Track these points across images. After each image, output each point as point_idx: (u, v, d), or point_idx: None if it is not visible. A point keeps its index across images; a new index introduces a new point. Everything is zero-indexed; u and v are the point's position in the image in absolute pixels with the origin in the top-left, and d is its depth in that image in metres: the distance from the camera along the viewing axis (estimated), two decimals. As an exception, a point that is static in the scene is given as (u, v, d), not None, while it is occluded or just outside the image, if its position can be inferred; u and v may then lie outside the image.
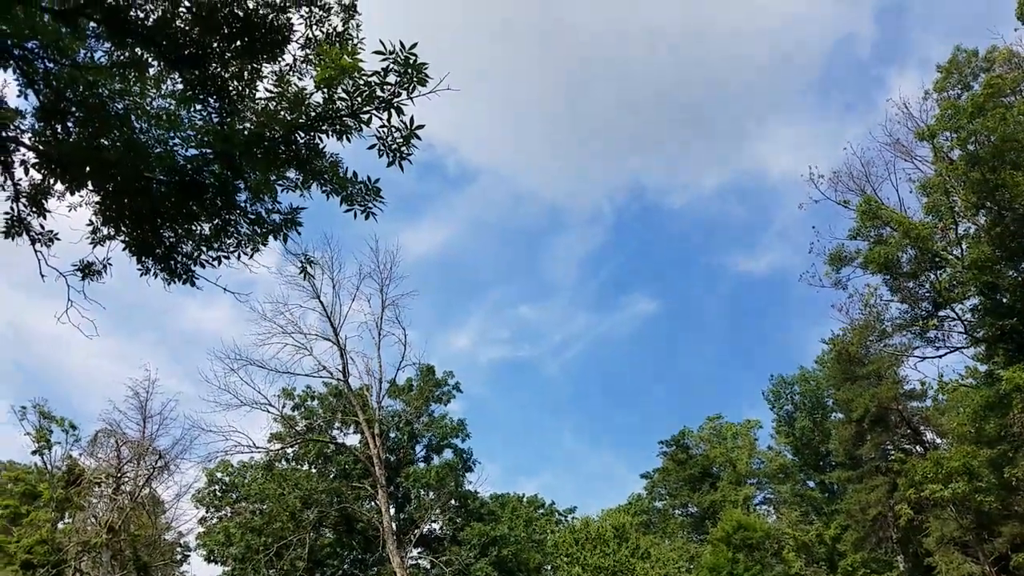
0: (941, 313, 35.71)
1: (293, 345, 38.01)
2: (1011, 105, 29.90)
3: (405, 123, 8.15)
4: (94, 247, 9.77)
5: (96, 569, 39.50)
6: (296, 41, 9.00)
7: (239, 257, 9.67)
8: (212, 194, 8.86)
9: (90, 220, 9.55)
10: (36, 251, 10.11)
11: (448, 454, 47.68)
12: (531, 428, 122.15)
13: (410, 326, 51.72)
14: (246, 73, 8.86)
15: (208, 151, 8.68)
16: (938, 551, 41.10)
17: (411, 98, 8.01)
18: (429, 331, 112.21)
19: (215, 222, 9.29)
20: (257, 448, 40.48)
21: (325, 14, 9.06)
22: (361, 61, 7.91)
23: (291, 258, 27.83)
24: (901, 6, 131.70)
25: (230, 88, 8.86)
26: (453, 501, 46.40)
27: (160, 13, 8.24)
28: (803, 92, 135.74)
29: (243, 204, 9.26)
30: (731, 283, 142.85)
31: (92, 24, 8.31)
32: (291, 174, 8.96)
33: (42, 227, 9.95)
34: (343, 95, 8.04)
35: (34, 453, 46.31)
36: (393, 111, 8.06)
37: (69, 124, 8.72)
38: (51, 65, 8.48)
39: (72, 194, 9.21)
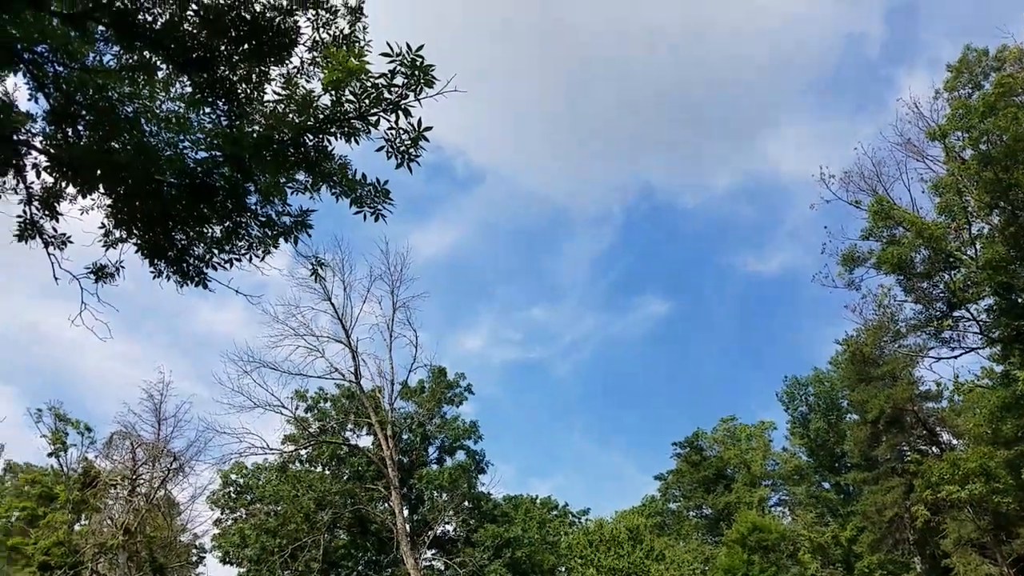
0: (956, 313, 35.39)
1: (305, 347, 38.20)
2: (1023, 104, 29.63)
3: (413, 125, 8.17)
4: (107, 250, 9.85)
5: (113, 571, 39.77)
6: (303, 44, 9.04)
7: (250, 259, 9.71)
8: (222, 197, 8.90)
9: (102, 223, 9.63)
10: (49, 254, 10.20)
11: (461, 456, 47.75)
12: (543, 429, 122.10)
13: (421, 328, 51.71)
14: (254, 76, 8.91)
15: (218, 154, 8.73)
16: (955, 553, 40.75)
17: (418, 100, 8.03)
18: (440, 333, 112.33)
19: (226, 224, 9.33)
20: (271, 450, 40.75)
21: (332, 17, 9.09)
22: (368, 63, 7.94)
23: (302, 260, 27.79)
24: (911, 5, 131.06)
25: (239, 91, 8.91)
26: (466, 503, 46.43)
27: (168, 17, 8.30)
28: (812, 92, 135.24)
29: (253, 207, 9.30)
30: (742, 284, 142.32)
31: (101, 28, 8.37)
32: (300, 176, 9.01)
33: (55, 230, 10.04)
34: (351, 97, 8.07)
35: (50, 455, 46.80)
36: (401, 113, 8.08)
37: (79, 127, 8.79)
38: (61, 69, 8.56)
39: (84, 197, 9.30)
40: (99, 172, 8.54)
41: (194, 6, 8.33)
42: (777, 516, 62.51)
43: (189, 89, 8.89)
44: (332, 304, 38.69)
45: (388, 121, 8.21)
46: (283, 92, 8.59)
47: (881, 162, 36.33)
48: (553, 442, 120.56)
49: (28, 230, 9.89)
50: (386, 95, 8.03)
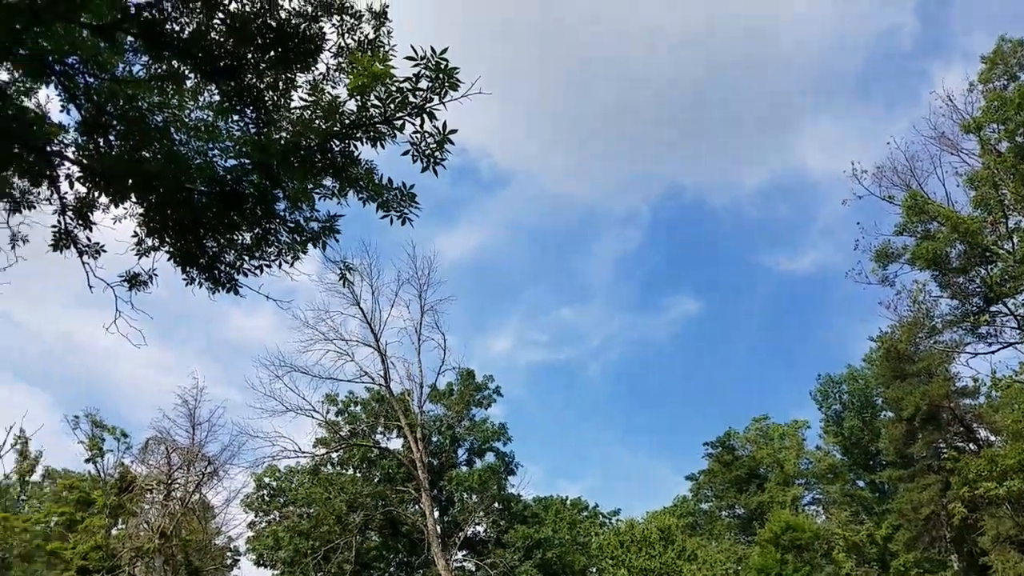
0: (993, 308, 34.80)
1: (335, 351, 38.50)
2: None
3: (438, 128, 8.18)
4: (140, 258, 9.99)
5: (149, 574, 40.36)
6: (329, 50, 9.08)
7: (280, 265, 9.79)
8: (252, 204, 8.97)
9: (135, 232, 9.76)
10: (84, 263, 10.37)
11: (490, 457, 47.82)
12: (572, 431, 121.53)
13: (449, 331, 51.81)
14: (281, 83, 8.97)
15: (246, 161, 8.81)
16: (994, 550, 39.94)
17: (443, 103, 8.03)
18: (468, 335, 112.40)
19: (256, 231, 9.42)
20: (303, 453, 41.10)
21: (356, 22, 9.12)
22: (393, 68, 7.96)
23: (330, 265, 28.12)
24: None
25: (266, 98, 8.98)
26: (496, 504, 46.46)
27: (195, 26, 8.38)
28: (843, 87, 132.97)
29: (282, 213, 9.37)
30: (773, 282, 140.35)
31: (130, 38, 8.48)
32: (328, 182, 9.05)
33: (89, 239, 10.21)
34: (376, 102, 8.09)
35: (87, 461, 47.65)
36: (426, 116, 8.09)
37: (111, 137, 8.91)
38: (91, 80, 8.69)
39: (116, 206, 9.43)
40: (131, 181, 8.65)
41: (220, 15, 8.40)
42: (811, 515, 61.70)
43: (217, 97, 8.97)
44: (361, 308, 39.00)
45: (413, 125, 8.23)
46: (309, 98, 8.64)
47: (914, 156, 35.87)
48: (582, 443, 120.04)
49: (63, 240, 10.07)
50: (411, 99, 8.04)
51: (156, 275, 10.32)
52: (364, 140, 8.46)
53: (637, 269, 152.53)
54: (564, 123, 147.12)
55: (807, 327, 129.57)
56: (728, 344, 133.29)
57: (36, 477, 57.88)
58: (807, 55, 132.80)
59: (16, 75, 8.94)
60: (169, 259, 9.66)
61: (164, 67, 8.61)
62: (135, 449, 45.98)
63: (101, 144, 8.95)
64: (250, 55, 8.57)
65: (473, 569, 45.00)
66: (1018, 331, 34.44)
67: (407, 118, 8.19)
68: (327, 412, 44.41)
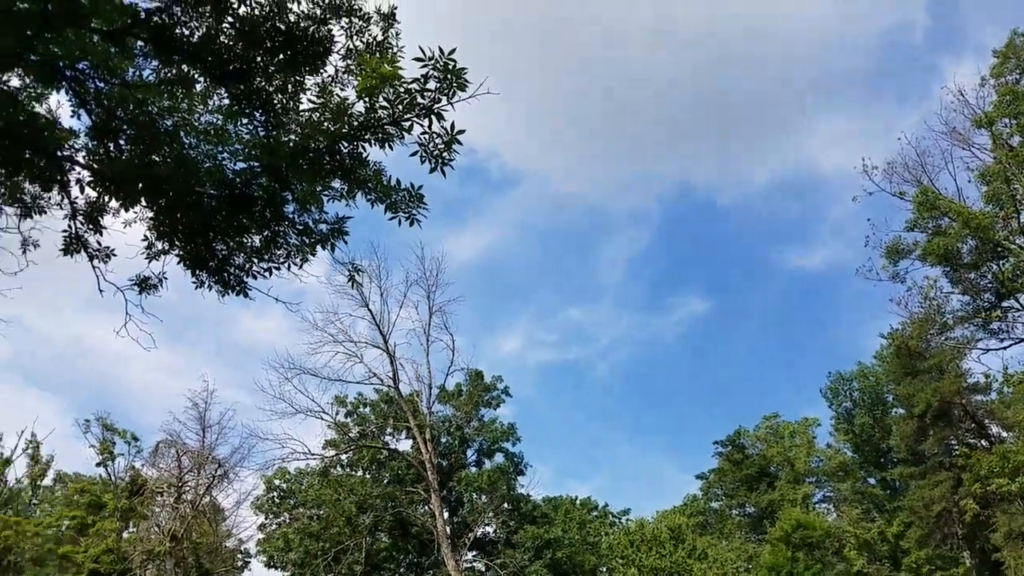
0: (1005, 304, 34.65)
1: (344, 353, 38.62)
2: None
3: (446, 128, 8.18)
4: (149, 262, 10.01)
5: (161, 576, 40.52)
6: (337, 52, 9.09)
7: (289, 267, 9.80)
8: (261, 206, 8.99)
9: (145, 236, 9.78)
10: (94, 267, 10.41)
11: (499, 458, 47.81)
12: (582, 430, 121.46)
13: (458, 332, 52.02)
14: (290, 86, 8.99)
15: (255, 164, 8.82)
16: (1006, 546, 39.72)
17: (451, 103, 8.03)
18: (476, 336, 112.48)
19: (265, 234, 9.43)
20: (313, 455, 41.25)
21: (365, 24, 9.13)
22: (401, 69, 7.96)
23: (339, 267, 28.27)
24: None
25: (275, 101, 9.00)
26: (506, 504, 46.48)
27: (204, 30, 8.40)
28: (852, 83, 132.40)
29: (291, 215, 9.38)
30: (783, 280, 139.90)
31: (139, 43, 8.51)
32: (336, 184, 9.06)
33: (99, 244, 10.24)
34: (384, 103, 8.09)
35: (98, 465, 47.89)
36: (434, 117, 8.09)
37: (121, 142, 8.94)
38: (101, 85, 8.72)
39: (126, 211, 9.45)
40: (141, 185, 8.69)
41: (229, 18, 8.42)
42: (822, 513, 61.49)
43: (226, 101, 8.99)
44: (369, 310, 39.10)
45: (421, 126, 8.23)
46: (318, 101, 8.66)
47: (925, 152, 35.70)
48: (592, 443, 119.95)
49: (73, 244, 10.11)
50: (419, 100, 8.04)
51: (166, 278, 10.36)
52: (372, 142, 8.46)
53: (646, 268, 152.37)
54: (571, 123, 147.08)
55: (817, 325, 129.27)
56: (738, 343, 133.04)
57: (48, 481, 58.30)
58: (816, 50, 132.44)
59: (27, 81, 8.98)
60: (179, 262, 9.68)
61: (174, 71, 8.64)
62: (146, 452, 46.25)
63: (111, 149, 8.99)
64: (259, 58, 8.60)
65: (483, 569, 45.01)
66: (1030, 326, 34.28)
67: (415, 119, 8.19)
68: (336, 414, 44.63)
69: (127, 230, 9.97)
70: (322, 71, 9.01)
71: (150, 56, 8.66)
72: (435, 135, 8.24)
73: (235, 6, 8.42)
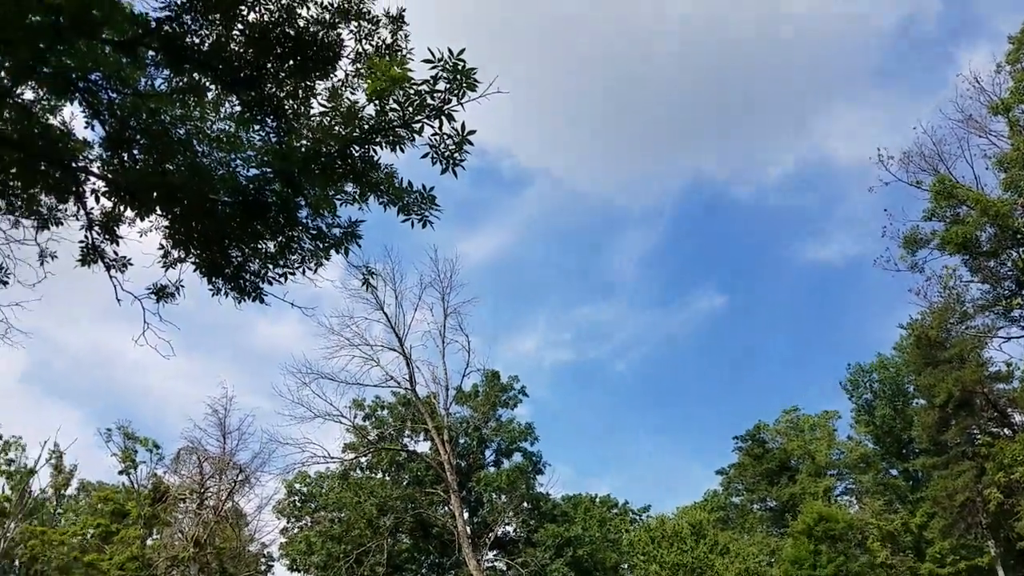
0: (1025, 291, 34.26)
1: (361, 357, 38.64)
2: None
3: (456, 129, 8.16)
4: (166, 270, 10.07)
5: (185, 582, 40.79)
6: (347, 56, 9.11)
7: (304, 272, 9.82)
8: (275, 212, 9.01)
9: (160, 244, 9.84)
10: (111, 277, 10.49)
11: (518, 457, 47.81)
12: (600, 428, 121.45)
13: (473, 333, 52.09)
14: (300, 91, 9.01)
15: (268, 170, 8.84)
16: (1032, 535, 39.37)
17: (461, 104, 8.01)
18: (492, 337, 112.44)
19: (279, 239, 9.45)
20: (332, 458, 41.33)
21: (374, 27, 9.13)
22: (411, 71, 7.96)
23: (353, 271, 28.11)
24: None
25: (286, 107, 9.03)
26: (525, 504, 46.47)
27: (215, 38, 8.44)
28: (866, 74, 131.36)
29: (305, 220, 9.39)
30: (800, 273, 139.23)
31: (151, 53, 8.56)
32: (349, 188, 9.06)
33: (115, 253, 10.31)
34: (395, 106, 8.09)
35: (121, 473, 48.32)
36: (444, 118, 8.08)
37: (135, 152, 8.99)
38: (114, 95, 8.77)
39: (142, 220, 9.51)
40: (155, 194, 8.73)
41: (240, 26, 8.46)
42: (844, 505, 61.12)
43: (238, 108, 9.03)
44: (385, 313, 39.11)
45: (432, 127, 8.21)
46: (329, 105, 8.68)
47: (942, 140, 35.40)
48: (611, 441, 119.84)
49: (90, 255, 10.18)
50: (429, 101, 8.03)
51: (182, 286, 10.41)
52: (384, 144, 8.46)
53: (661, 264, 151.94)
54: (582, 121, 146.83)
55: (835, 317, 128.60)
56: (755, 337, 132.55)
57: (71, 490, 58.88)
58: (829, 41, 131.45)
59: (41, 93, 9.06)
60: (195, 270, 9.73)
61: (185, 80, 8.68)
62: (167, 460, 46.59)
63: (125, 158, 9.04)
64: (270, 64, 8.63)
65: (504, 569, 45.05)
66: (1052, 313, 33.91)
67: (426, 121, 8.18)
68: (354, 417, 44.73)
69: (143, 239, 10.04)
70: (332, 75, 9.04)
71: (161, 65, 8.70)
72: (446, 136, 8.22)
73: (244, 13, 8.46)
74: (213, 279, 9.68)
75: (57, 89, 8.51)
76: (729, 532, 57.72)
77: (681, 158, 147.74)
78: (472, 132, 8.21)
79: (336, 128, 8.52)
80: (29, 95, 9.11)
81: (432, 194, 8.83)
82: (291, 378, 48.45)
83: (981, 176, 35.68)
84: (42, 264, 11.58)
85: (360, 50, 9.14)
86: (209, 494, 43.00)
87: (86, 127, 9.19)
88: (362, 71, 9.05)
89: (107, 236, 10.06)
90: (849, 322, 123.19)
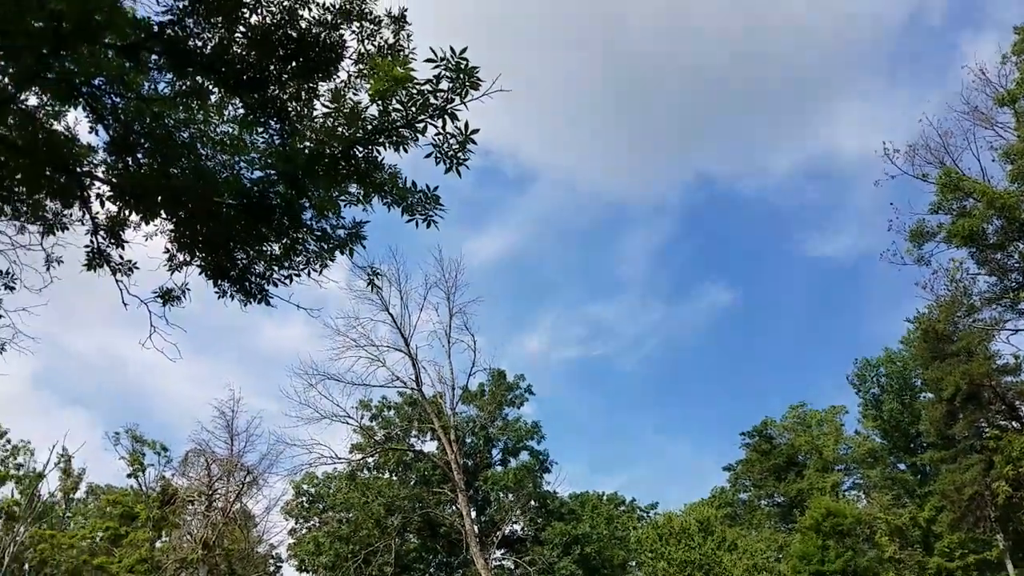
0: (1033, 283, 34.14)
1: (367, 358, 38.71)
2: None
3: (460, 128, 8.15)
4: (172, 273, 10.07)
5: (194, 584, 40.91)
6: (349, 57, 9.10)
7: (309, 274, 9.82)
8: (279, 214, 9.01)
9: (166, 248, 9.86)
10: (117, 281, 10.50)
11: (524, 456, 47.84)
12: (608, 426, 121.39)
13: (479, 332, 52.11)
14: (303, 93, 9.00)
15: (272, 172, 8.85)
16: (1041, 529, 39.26)
17: (464, 103, 8.00)
18: (501, 336, 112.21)
19: (284, 241, 9.45)
20: (339, 459, 41.45)
21: (376, 28, 9.12)
22: (413, 71, 7.95)
23: (359, 272, 28.24)
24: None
25: (289, 109, 9.02)
26: (533, 502, 46.51)
27: (217, 40, 8.44)
28: (871, 66, 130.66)
29: (309, 222, 9.39)
30: (807, 268, 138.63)
31: (153, 57, 8.57)
32: (353, 189, 9.06)
33: (121, 257, 10.32)
34: (398, 106, 8.08)
35: (129, 476, 48.53)
36: (447, 118, 8.07)
37: (139, 156, 9.01)
38: (118, 100, 8.78)
39: (147, 224, 9.53)
40: (160, 198, 8.74)
41: (242, 28, 8.46)
42: (852, 500, 60.98)
43: (241, 111, 9.02)
44: (390, 314, 39.16)
45: (435, 127, 8.21)
46: (332, 106, 8.67)
47: (948, 132, 35.25)
48: (619, 438, 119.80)
49: (96, 259, 10.19)
50: (432, 101, 8.02)
51: (189, 289, 10.42)
52: (387, 145, 8.45)
53: (668, 260, 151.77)
54: (586, 117, 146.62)
55: (842, 312, 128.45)
56: (763, 332, 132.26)
57: (80, 494, 59.06)
58: (835, 34, 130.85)
59: (45, 99, 9.08)
60: (200, 273, 9.74)
61: (188, 83, 8.68)
62: (175, 462, 46.76)
63: (130, 163, 9.06)
64: (272, 67, 8.62)
65: (512, 567, 45.07)
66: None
67: (429, 120, 8.17)
68: (361, 418, 44.76)
69: (148, 243, 10.06)
70: (335, 76, 9.02)
71: (164, 69, 8.71)
72: (449, 135, 8.22)
73: (247, 16, 8.46)
74: (219, 282, 9.69)
75: (61, 94, 8.53)
76: (737, 528, 57.62)
77: (686, 154, 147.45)
78: (475, 131, 8.21)
79: (339, 129, 8.52)
80: (33, 101, 9.16)
81: (436, 194, 8.83)
82: (298, 379, 48.55)
83: (987, 168, 35.58)
84: (48, 269, 11.61)
85: (362, 51, 9.14)
86: (217, 496, 43.11)
87: (90, 132, 9.22)
88: (365, 72, 9.04)
89: (112, 240, 10.07)
90: (856, 317, 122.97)
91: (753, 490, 69.81)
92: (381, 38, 9.14)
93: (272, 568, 52.23)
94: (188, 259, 9.72)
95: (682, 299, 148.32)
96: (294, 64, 8.69)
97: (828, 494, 56.78)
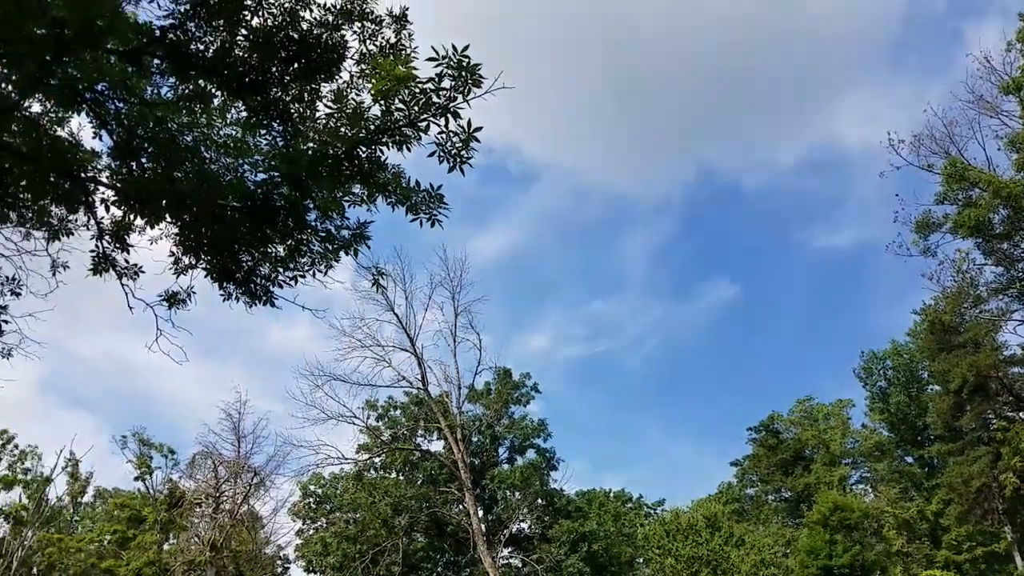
0: (1040, 273, 34.03)
1: (372, 358, 38.69)
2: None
3: (463, 127, 8.14)
4: (177, 277, 10.10)
5: (203, 586, 40.98)
6: (351, 57, 9.10)
7: (314, 275, 9.84)
8: (283, 216, 9.03)
9: (171, 251, 9.88)
10: (123, 285, 10.53)
11: (531, 454, 47.85)
12: (614, 423, 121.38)
13: (485, 330, 52.13)
14: (306, 94, 9.01)
15: (276, 174, 8.85)
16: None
17: (467, 101, 7.99)
18: (505, 334, 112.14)
19: (288, 243, 9.47)
20: (346, 459, 41.45)
21: (377, 27, 9.12)
22: (415, 70, 7.94)
23: (363, 272, 28.25)
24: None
25: (292, 110, 9.03)
26: (539, 500, 46.50)
27: (219, 44, 8.44)
28: (874, 56, 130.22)
29: (313, 223, 9.40)
30: (811, 261, 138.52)
31: (156, 61, 8.57)
32: (356, 189, 9.05)
33: (126, 261, 10.35)
34: (400, 105, 8.07)
35: (137, 479, 48.66)
36: (450, 116, 8.06)
37: (143, 160, 9.01)
38: (121, 105, 8.79)
39: (152, 227, 9.55)
40: (164, 202, 8.76)
41: (243, 31, 8.46)
42: (859, 494, 60.94)
43: (244, 113, 9.03)
44: (395, 314, 39.14)
45: (438, 125, 8.20)
46: (334, 107, 8.66)
47: (952, 122, 35.04)
48: (624, 435, 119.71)
49: (101, 264, 10.22)
50: (435, 99, 8.01)
51: (194, 292, 10.44)
52: (390, 144, 8.44)
53: (672, 256, 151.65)
54: (587, 114, 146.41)
55: (847, 305, 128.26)
56: (768, 327, 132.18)
57: (88, 498, 59.17)
58: (836, 25, 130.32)
59: (48, 105, 9.09)
60: (206, 276, 9.77)
61: (191, 87, 8.69)
62: (183, 464, 46.84)
63: (134, 167, 9.06)
64: (274, 69, 8.63)
65: (520, 565, 45.08)
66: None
67: (432, 119, 8.16)
68: (368, 418, 44.79)
69: (153, 247, 10.08)
70: (337, 77, 9.02)
71: (167, 73, 8.72)
72: (452, 134, 8.21)
73: (248, 18, 8.46)
74: (224, 284, 9.71)
75: (64, 101, 8.55)
76: (744, 524, 57.63)
77: (689, 149, 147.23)
78: (478, 129, 8.19)
79: (342, 130, 8.52)
80: (36, 107, 9.17)
81: (440, 193, 8.82)
82: (304, 381, 48.50)
83: (993, 157, 35.48)
84: (54, 274, 11.65)
85: (364, 51, 9.13)
86: (225, 498, 43.18)
87: (94, 137, 9.23)
88: (367, 71, 9.03)
89: (118, 245, 10.10)
90: (861, 310, 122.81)
91: (760, 485, 69.76)
92: (383, 38, 9.14)
93: (280, 569, 52.36)
94: (193, 262, 9.74)
95: (684, 297, 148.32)
96: (296, 66, 8.70)
97: (835, 488, 56.73)
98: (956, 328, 42.96)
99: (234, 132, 9.07)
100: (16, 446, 52.49)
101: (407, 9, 9.07)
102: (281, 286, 9.84)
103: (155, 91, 8.93)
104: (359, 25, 9.02)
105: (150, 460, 47.99)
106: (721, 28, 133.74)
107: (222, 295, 9.78)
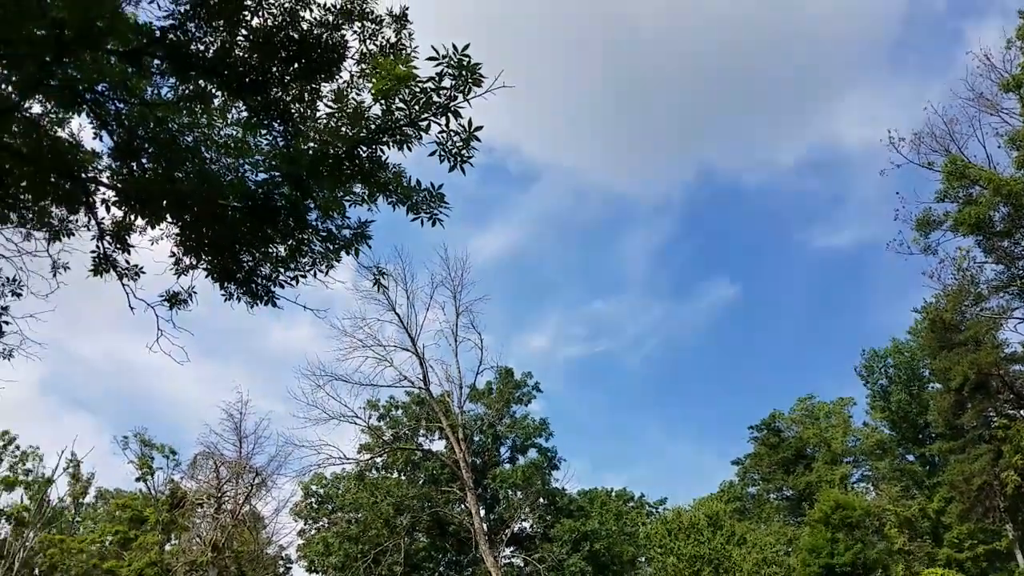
0: (1041, 271, 34.02)
1: (374, 358, 38.67)
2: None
3: (463, 126, 8.13)
4: (178, 277, 10.09)
5: (205, 586, 41.00)
6: (351, 57, 9.09)
7: (315, 275, 9.83)
8: (284, 216, 9.02)
9: (172, 251, 9.87)
10: (124, 285, 10.52)
11: (532, 454, 47.88)
12: (615, 422, 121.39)
13: (486, 330, 52.11)
14: (306, 94, 9.00)
15: (277, 174, 8.85)
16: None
17: (467, 100, 7.98)
18: (505, 334, 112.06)
19: (289, 243, 9.47)
20: (348, 459, 41.45)
21: (377, 27, 9.11)
22: (416, 69, 7.93)
23: (364, 272, 28.17)
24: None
25: (292, 110, 9.02)
26: (541, 499, 46.51)
27: (219, 44, 8.44)
28: (874, 55, 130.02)
29: (314, 223, 9.39)
30: (812, 260, 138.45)
31: (156, 61, 8.57)
32: (357, 188, 9.04)
33: (127, 262, 10.34)
34: (401, 105, 8.07)
35: (138, 480, 48.69)
36: (451, 115, 8.05)
37: (143, 160, 9.01)
38: (121, 105, 8.78)
39: (153, 228, 9.54)
40: (165, 202, 8.76)
41: (243, 31, 8.45)
42: (861, 492, 60.92)
43: (245, 113, 9.02)
44: (397, 313, 39.12)
45: (439, 125, 8.19)
46: (335, 106, 8.66)
47: (953, 120, 35.02)
48: (626, 435, 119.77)
49: (102, 264, 10.21)
50: (435, 99, 8.00)
51: (195, 293, 10.43)
52: (391, 144, 8.44)
53: (672, 256, 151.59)
54: (587, 114, 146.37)
55: (848, 303, 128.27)
56: (768, 326, 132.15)
57: (89, 499, 59.21)
58: (836, 25, 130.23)
59: (48, 106, 9.09)
60: (207, 276, 9.76)
61: (191, 88, 8.68)
62: (184, 465, 46.85)
63: (134, 168, 9.06)
64: (275, 69, 8.62)
65: (522, 564, 45.08)
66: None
67: (432, 118, 8.15)
68: (369, 418, 44.78)
69: (154, 247, 10.07)
70: (337, 77, 9.01)
71: (167, 74, 8.71)
72: (453, 133, 8.20)
73: (248, 18, 8.45)
74: (225, 284, 9.70)
75: (64, 101, 8.54)
76: (746, 522, 57.61)
77: (689, 149, 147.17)
78: (479, 128, 8.18)
79: (343, 129, 8.51)
80: (37, 108, 9.17)
81: (441, 192, 8.82)
82: (305, 381, 48.47)
83: (993, 155, 35.35)
84: (55, 275, 11.64)
85: (364, 50, 9.12)
86: (226, 498, 43.19)
87: (94, 138, 9.23)
88: (367, 71, 9.03)
89: (118, 245, 10.09)
90: (861, 308, 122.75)
91: (762, 484, 69.76)
92: (383, 37, 9.13)
93: (282, 569, 52.39)
94: (194, 262, 9.73)
95: (684, 297, 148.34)
96: (296, 65, 8.69)
97: (837, 486, 56.76)
98: (957, 326, 42.94)
99: (234, 132, 9.07)
100: (17, 447, 52.57)
101: (407, 9, 9.07)
102: (282, 286, 9.84)
103: (155, 91, 8.93)
104: (359, 25, 9.01)
105: (151, 461, 48.02)
106: (721, 28, 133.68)
107: (223, 295, 9.78)
